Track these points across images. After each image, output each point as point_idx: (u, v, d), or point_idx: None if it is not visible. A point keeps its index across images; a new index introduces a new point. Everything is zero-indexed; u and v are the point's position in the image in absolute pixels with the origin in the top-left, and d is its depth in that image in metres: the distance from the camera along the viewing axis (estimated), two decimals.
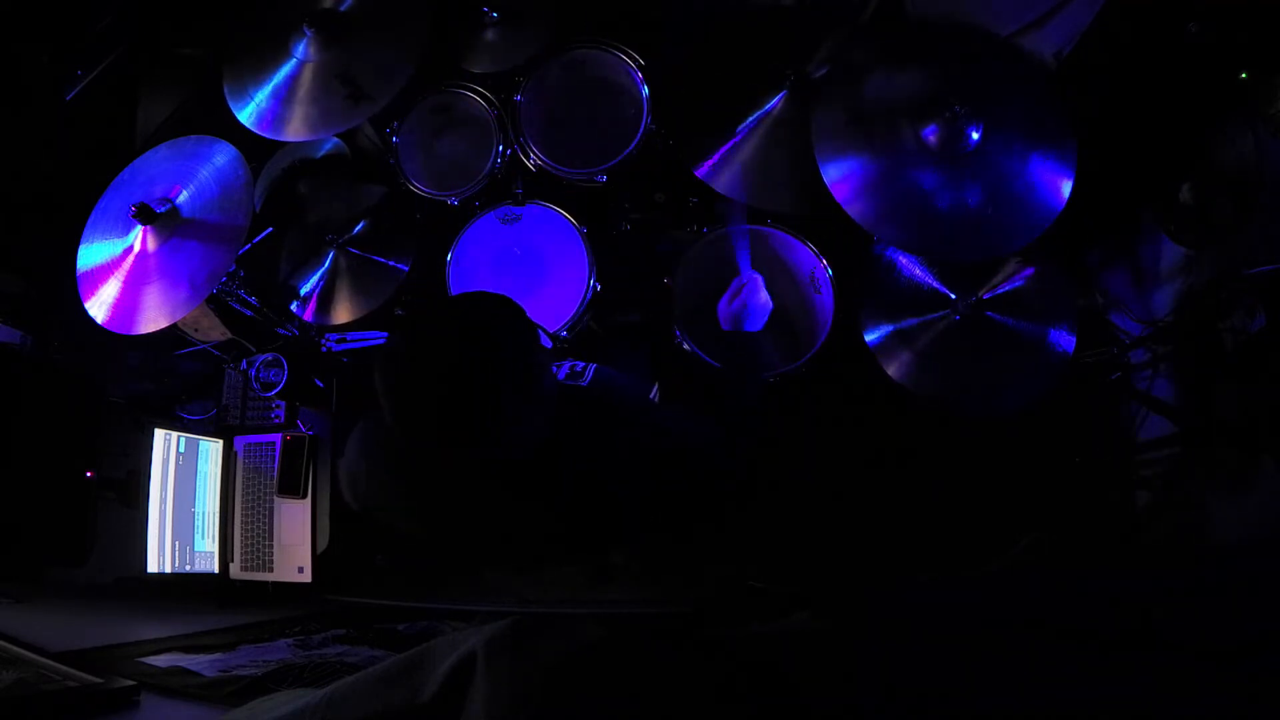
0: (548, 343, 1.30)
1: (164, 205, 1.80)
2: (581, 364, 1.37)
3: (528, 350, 1.04)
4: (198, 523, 2.06)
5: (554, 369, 1.34)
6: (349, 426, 1.29)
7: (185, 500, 2.05)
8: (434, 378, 0.97)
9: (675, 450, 1.24)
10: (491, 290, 1.92)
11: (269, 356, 2.09)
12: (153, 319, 1.74)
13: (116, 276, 1.80)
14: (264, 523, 2.08)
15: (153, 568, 1.94)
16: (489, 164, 1.99)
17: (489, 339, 1.00)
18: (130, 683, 1.39)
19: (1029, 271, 1.78)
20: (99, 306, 1.79)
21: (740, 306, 1.59)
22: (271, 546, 2.07)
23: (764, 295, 1.61)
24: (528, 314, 1.08)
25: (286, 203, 2.21)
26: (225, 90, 1.90)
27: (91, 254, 1.85)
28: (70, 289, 1.83)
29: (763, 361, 1.60)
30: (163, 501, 2.00)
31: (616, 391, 1.34)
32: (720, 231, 1.87)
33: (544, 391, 1.06)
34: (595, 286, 1.92)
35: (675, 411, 1.38)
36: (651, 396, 1.80)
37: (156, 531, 1.97)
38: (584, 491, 1.14)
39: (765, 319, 1.59)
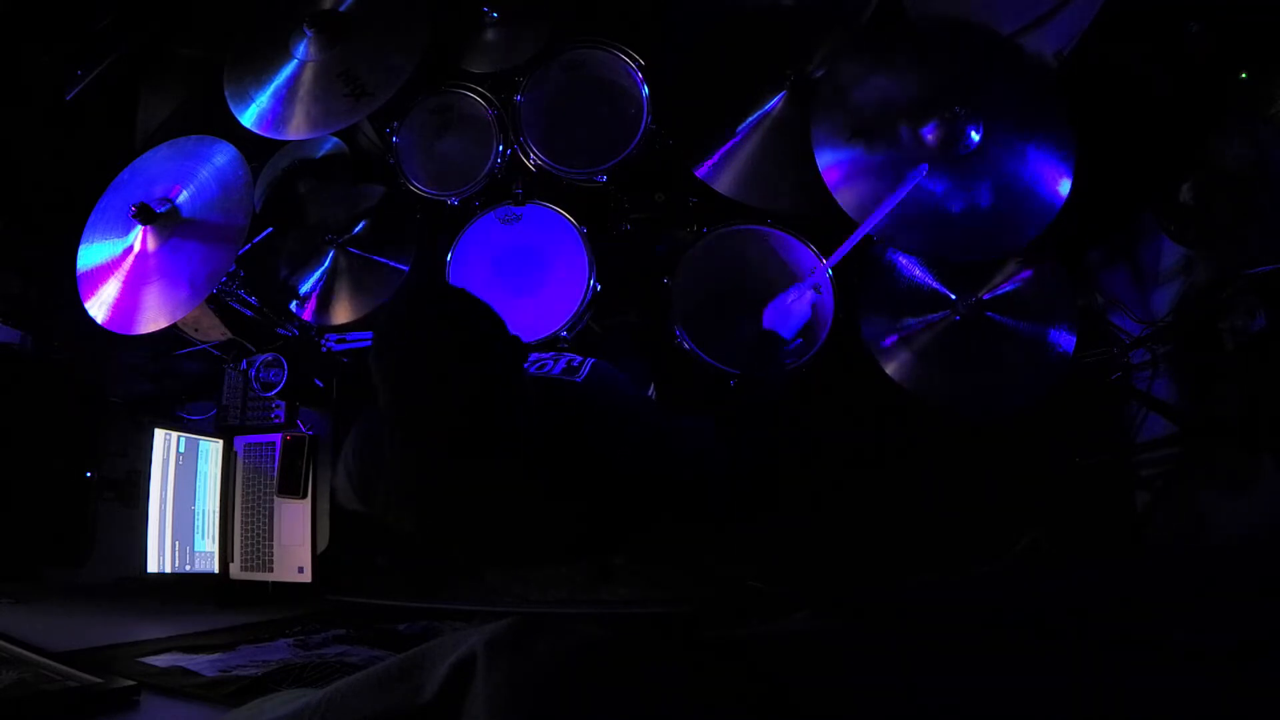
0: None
1: (164, 205, 1.80)
2: (579, 359, 1.35)
3: (499, 326, 1.10)
4: (198, 523, 2.07)
5: (546, 363, 1.34)
6: (349, 427, 1.30)
7: (185, 500, 2.05)
8: (422, 382, 1.02)
9: (675, 458, 1.24)
10: (492, 289, 1.93)
11: (269, 356, 2.09)
12: (153, 319, 1.74)
13: (116, 276, 1.80)
14: (264, 523, 2.08)
15: (153, 568, 1.94)
16: (489, 164, 1.99)
17: (467, 319, 1.07)
18: (130, 683, 1.39)
19: (1029, 272, 1.78)
20: (99, 306, 1.79)
21: (793, 308, 1.61)
22: (271, 546, 2.07)
23: (810, 310, 1.64)
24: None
25: (286, 203, 2.21)
26: (226, 94, 1.90)
27: (91, 254, 1.85)
28: (70, 289, 1.83)
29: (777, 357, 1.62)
30: (163, 501, 2.00)
31: (614, 392, 1.32)
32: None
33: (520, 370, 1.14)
34: (595, 286, 1.92)
35: (675, 416, 1.38)
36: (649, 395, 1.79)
37: (156, 531, 1.97)
38: (580, 495, 1.15)
39: (798, 329, 1.63)
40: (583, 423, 1.18)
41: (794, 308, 1.61)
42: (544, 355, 1.37)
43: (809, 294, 1.63)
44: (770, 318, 1.63)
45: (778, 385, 1.57)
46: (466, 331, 1.05)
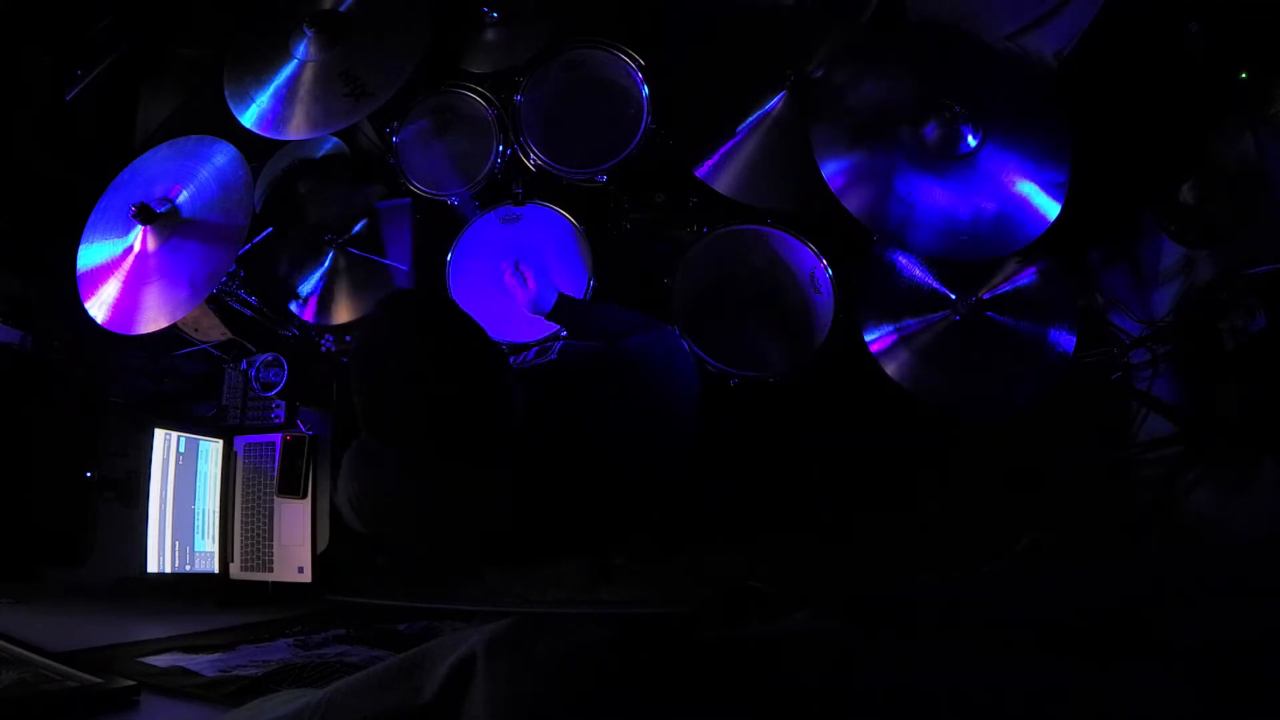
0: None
1: (164, 205, 1.80)
2: (548, 344, 1.37)
3: (474, 331, 1.10)
4: (198, 523, 2.06)
5: (518, 355, 1.35)
6: (348, 428, 1.30)
7: (185, 500, 2.05)
8: (409, 370, 1.02)
9: (674, 458, 1.25)
10: (492, 289, 1.93)
11: (269, 356, 2.09)
12: (153, 319, 1.74)
13: (116, 276, 1.80)
14: (264, 523, 2.08)
15: (153, 568, 1.94)
16: (489, 164, 1.99)
17: (446, 322, 1.07)
18: (130, 683, 1.39)
19: (1029, 271, 1.78)
20: (99, 306, 1.79)
21: (537, 290, 1.56)
22: (271, 546, 2.07)
23: (533, 274, 1.57)
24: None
25: (286, 203, 2.21)
26: (226, 94, 1.90)
27: (91, 254, 1.85)
28: (70, 289, 1.83)
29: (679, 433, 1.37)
30: (163, 501, 2.00)
31: (583, 354, 1.34)
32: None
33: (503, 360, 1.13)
34: (595, 286, 1.92)
35: (636, 337, 1.39)
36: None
37: (156, 531, 1.97)
38: (575, 485, 1.15)
39: (551, 292, 1.55)
40: (582, 423, 1.19)
41: (536, 290, 1.55)
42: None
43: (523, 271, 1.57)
44: (535, 308, 1.55)
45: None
46: (447, 333, 1.05)
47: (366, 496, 1.22)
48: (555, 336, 1.88)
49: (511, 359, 1.37)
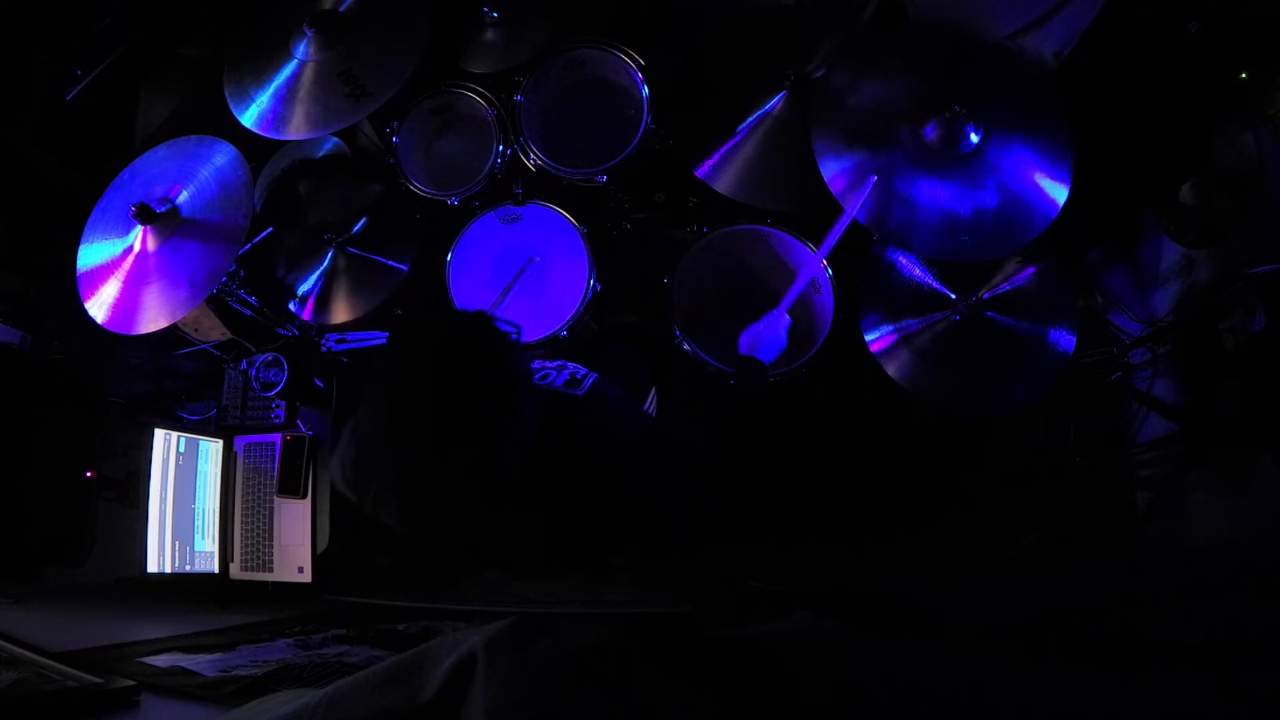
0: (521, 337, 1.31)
1: (164, 205, 1.80)
2: (582, 371, 1.33)
3: (509, 354, 1.07)
4: (198, 522, 2.07)
5: (550, 374, 1.33)
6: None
7: (185, 500, 2.05)
8: (426, 386, 1.01)
9: (672, 471, 1.24)
10: (492, 289, 1.92)
11: (269, 356, 2.09)
12: (153, 319, 1.74)
13: (116, 276, 1.80)
14: (264, 523, 2.08)
15: (153, 568, 1.94)
16: (489, 164, 1.99)
17: (473, 347, 1.04)
18: (130, 683, 1.39)
19: (1029, 271, 1.78)
20: (99, 306, 1.79)
21: (766, 337, 1.58)
22: (271, 546, 2.07)
23: (785, 336, 1.61)
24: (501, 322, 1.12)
25: (286, 203, 2.21)
26: (226, 94, 1.90)
27: (91, 254, 1.85)
28: (70, 289, 1.83)
29: (765, 368, 1.57)
30: (163, 501, 2.00)
31: (612, 408, 1.30)
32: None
33: (527, 391, 1.09)
34: (595, 286, 1.92)
35: (673, 435, 1.37)
36: (648, 406, 1.78)
37: (156, 531, 1.97)
38: (572, 507, 1.14)
39: (777, 355, 1.59)
40: (577, 430, 1.18)
41: (767, 334, 1.57)
42: (549, 365, 1.34)
43: (784, 319, 1.60)
44: (746, 343, 1.58)
45: (760, 401, 1.52)
46: (472, 336, 1.05)
47: (358, 465, 1.21)
48: (556, 343, 1.88)
49: (537, 373, 1.36)
